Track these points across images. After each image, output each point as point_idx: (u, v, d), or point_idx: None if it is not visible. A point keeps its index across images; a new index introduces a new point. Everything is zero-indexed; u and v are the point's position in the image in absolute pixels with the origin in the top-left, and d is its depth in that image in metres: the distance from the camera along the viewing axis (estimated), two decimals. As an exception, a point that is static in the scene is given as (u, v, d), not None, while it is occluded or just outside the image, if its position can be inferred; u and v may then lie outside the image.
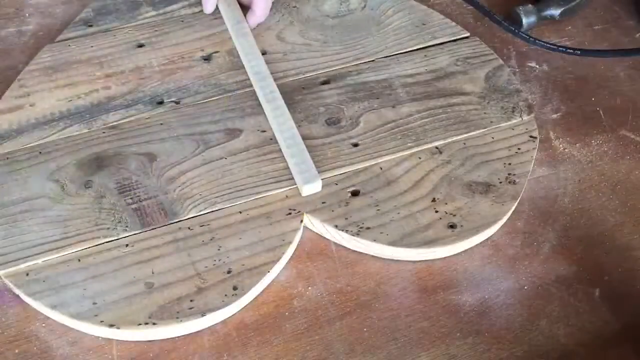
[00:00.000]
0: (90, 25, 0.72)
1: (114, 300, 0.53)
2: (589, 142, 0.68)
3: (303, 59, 0.70)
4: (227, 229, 0.58)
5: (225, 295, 0.54)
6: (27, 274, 0.54)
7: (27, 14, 0.74)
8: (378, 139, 0.64)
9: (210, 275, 0.55)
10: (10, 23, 0.74)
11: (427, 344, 0.54)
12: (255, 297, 0.56)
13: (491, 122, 0.66)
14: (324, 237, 0.60)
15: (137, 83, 0.68)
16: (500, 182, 0.62)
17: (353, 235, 0.58)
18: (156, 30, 0.72)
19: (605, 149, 0.67)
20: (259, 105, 0.66)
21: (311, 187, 0.60)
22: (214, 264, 0.56)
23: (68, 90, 0.66)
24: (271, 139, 0.64)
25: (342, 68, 0.70)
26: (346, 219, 0.59)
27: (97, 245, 0.56)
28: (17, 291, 0.54)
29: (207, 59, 0.70)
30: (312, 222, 0.59)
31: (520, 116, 0.67)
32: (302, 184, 0.59)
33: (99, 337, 0.53)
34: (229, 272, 0.55)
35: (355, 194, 0.61)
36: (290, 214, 0.59)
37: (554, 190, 0.64)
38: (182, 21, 0.73)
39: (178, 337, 0.54)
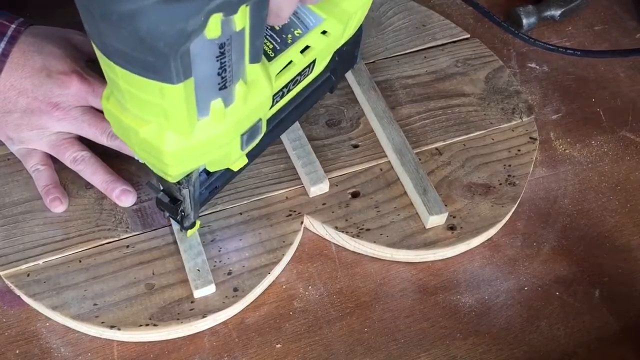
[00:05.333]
0: None
1: (114, 301, 0.54)
2: (589, 143, 0.68)
3: (303, 60, 0.70)
4: (227, 230, 0.58)
5: (226, 296, 0.54)
6: (28, 275, 0.55)
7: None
8: (378, 140, 0.64)
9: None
10: (11, 24, 0.74)
11: (427, 344, 0.54)
12: (256, 298, 0.56)
13: (491, 123, 0.66)
14: (324, 239, 0.60)
15: (137, 84, 0.68)
16: (500, 184, 0.62)
17: (353, 237, 0.58)
18: (157, 32, 0.72)
19: (606, 150, 0.67)
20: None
21: (319, 188, 0.60)
22: (214, 265, 0.56)
23: (69, 91, 0.67)
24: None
25: (343, 69, 0.70)
26: (346, 220, 0.59)
27: (98, 246, 0.56)
28: (18, 292, 0.54)
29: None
30: (313, 224, 0.59)
31: (520, 117, 0.67)
32: (309, 185, 0.60)
33: (99, 338, 0.53)
34: (229, 273, 0.56)
35: (355, 195, 0.61)
36: (290, 215, 0.59)
37: (554, 191, 0.64)
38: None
39: (179, 338, 0.54)
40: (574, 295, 0.58)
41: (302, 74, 0.52)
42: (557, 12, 0.76)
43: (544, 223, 0.62)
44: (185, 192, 0.50)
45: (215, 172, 0.53)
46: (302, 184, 0.61)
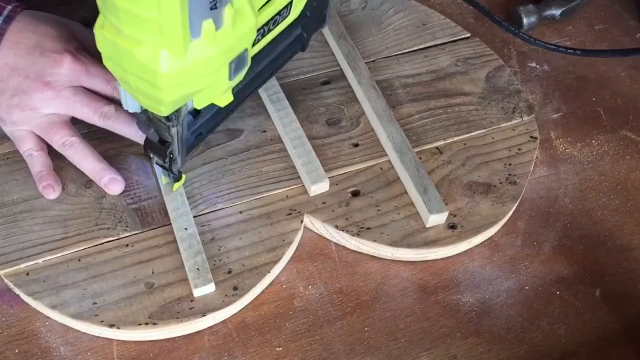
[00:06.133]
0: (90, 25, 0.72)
1: (114, 300, 0.53)
2: (590, 142, 0.68)
3: (303, 59, 0.70)
4: (227, 229, 0.58)
5: (226, 295, 0.54)
6: (28, 274, 0.54)
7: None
8: (378, 139, 0.64)
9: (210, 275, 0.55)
10: (10, 23, 0.74)
11: (427, 344, 0.54)
12: (256, 297, 0.56)
13: (492, 122, 0.66)
14: (325, 238, 0.60)
15: (137, 83, 0.67)
16: (501, 183, 0.62)
17: (353, 236, 0.58)
18: (157, 31, 0.72)
19: (606, 149, 0.67)
20: (260, 105, 0.66)
21: (319, 187, 0.60)
22: (214, 264, 0.56)
23: (68, 90, 0.66)
24: (271, 139, 0.64)
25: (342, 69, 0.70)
26: (346, 219, 0.59)
27: (97, 245, 0.56)
28: (17, 291, 0.54)
29: (207, 59, 0.70)
30: (313, 223, 0.59)
31: (521, 116, 0.67)
32: (310, 184, 0.59)
33: (99, 337, 0.53)
34: (229, 272, 0.55)
35: (355, 194, 0.61)
36: (290, 214, 0.59)
37: (555, 191, 0.64)
38: (183, 21, 0.73)
39: (178, 337, 0.54)
40: (575, 294, 0.58)
41: (280, 14, 0.54)
42: (557, 12, 0.76)
43: (544, 222, 0.62)
44: (174, 131, 0.51)
45: (201, 115, 0.54)
46: (302, 182, 0.61)
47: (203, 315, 0.53)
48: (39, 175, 0.58)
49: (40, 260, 0.55)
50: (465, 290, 0.57)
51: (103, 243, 0.56)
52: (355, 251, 0.59)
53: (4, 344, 0.53)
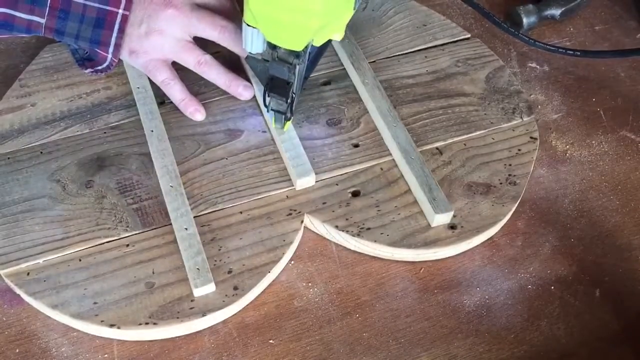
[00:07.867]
0: None
1: (114, 300, 0.54)
2: (590, 143, 0.68)
3: (304, 59, 0.70)
4: (227, 229, 0.58)
5: (226, 295, 0.54)
6: (28, 274, 0.55)
7: None
8: (378, 139, 0.64)
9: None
10: (11, 23, 0.74)
11: (427, 344, 0.54)
12: (256, 297, 0.56)
13: (492, 123, 0.66)
14: (325, 238, 0.60)
15: (138, 83, 0.68)
16: (501, 183, 0.62)
17: (353, 236, 0.58)
18: (157, 31, 0.72)
19: (606, 150, 0.67)
20: (260, 105, 0.66)
21: (305, 181, 0.60)
22: (214, 264, 0.56)
23: (69, 90, 0.67)
24: (272, 140, 0.64)
25: (343, 69, 0.70)
26: (347, 219, 0.59)
27: (98, 245, 0.56)
28: (18, 291, 0.54)
29: (208, 59, 0.70)
30: (313, 223, 0.59)
31: (521, 117, 0.67)
32: (295, 177, 0.60)
33: (99, 336, 0.53)
34: (229, 272, 0.55)
35: (355, 194, 0.61)
36: (290, 214, 0.59)
37: (555, 191, 0.64)
38: (183, 22, 0.73)
39: (178, 337, 0.54)
40: (575, 294, 0.58)
41: None
42: (557, 12, 0.76)
43: (544, 222, 0.62)
44: (299, 68, 0.57)
45: (304, 60, 0.59)
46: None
47: (203, 315, 0.53)
48: (182, 103, 0.64)
49: (40, 260, 0.55)
50: (465, 290, 0.57)
51: (104, 243, 0.57)
52: (355, 251, 0.59)
53: (4, 344, 0.53)
